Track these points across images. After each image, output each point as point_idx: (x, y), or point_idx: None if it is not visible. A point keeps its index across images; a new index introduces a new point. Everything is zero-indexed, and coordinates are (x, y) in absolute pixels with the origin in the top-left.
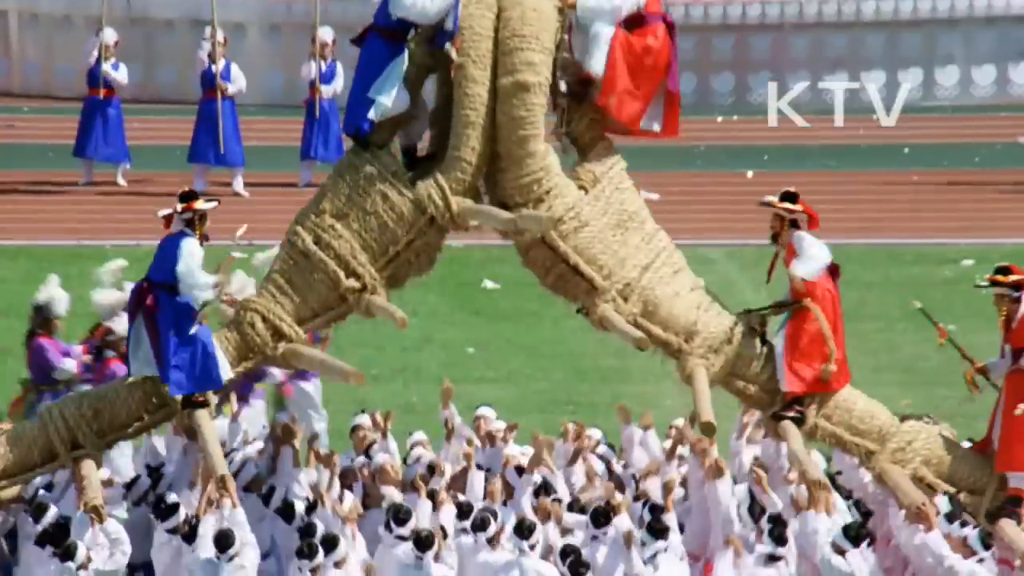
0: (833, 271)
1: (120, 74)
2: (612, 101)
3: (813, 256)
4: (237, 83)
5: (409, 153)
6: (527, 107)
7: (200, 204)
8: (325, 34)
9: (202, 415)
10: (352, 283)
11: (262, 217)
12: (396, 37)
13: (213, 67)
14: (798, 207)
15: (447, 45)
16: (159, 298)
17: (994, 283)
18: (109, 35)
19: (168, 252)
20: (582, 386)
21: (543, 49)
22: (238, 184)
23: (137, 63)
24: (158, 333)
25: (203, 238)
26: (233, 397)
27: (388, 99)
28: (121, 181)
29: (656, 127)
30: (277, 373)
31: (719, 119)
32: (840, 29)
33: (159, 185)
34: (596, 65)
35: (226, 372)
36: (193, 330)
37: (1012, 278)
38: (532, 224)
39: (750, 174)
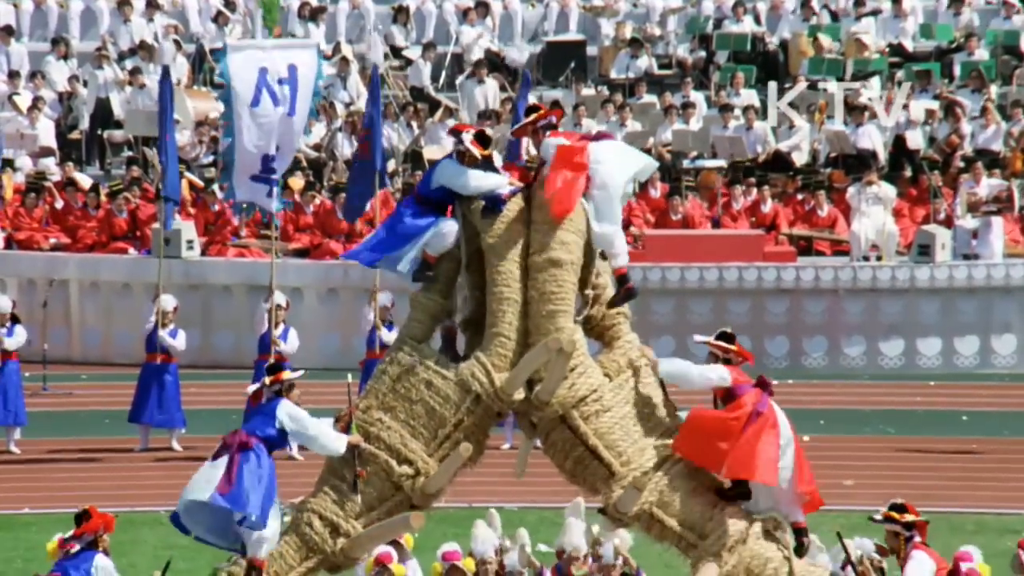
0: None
1: (177, 341)
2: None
3: None
4: (291, 345)
5: (448, 341)
6: (558, 283)
7: (287, 375)
8: (384, 299)
9: None
10: (405, 469)
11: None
12: (432, 206)
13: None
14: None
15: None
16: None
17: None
18: (167, 301)
19: (268, 409)
20: None
21: (576, 231)
22: (293, 449)
23: (195, 329)
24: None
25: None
26: None
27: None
28: (176, 447)
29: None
30: None
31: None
32: (895, 295)
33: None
34: (622, 260)
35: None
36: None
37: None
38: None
39: (806, 438)
